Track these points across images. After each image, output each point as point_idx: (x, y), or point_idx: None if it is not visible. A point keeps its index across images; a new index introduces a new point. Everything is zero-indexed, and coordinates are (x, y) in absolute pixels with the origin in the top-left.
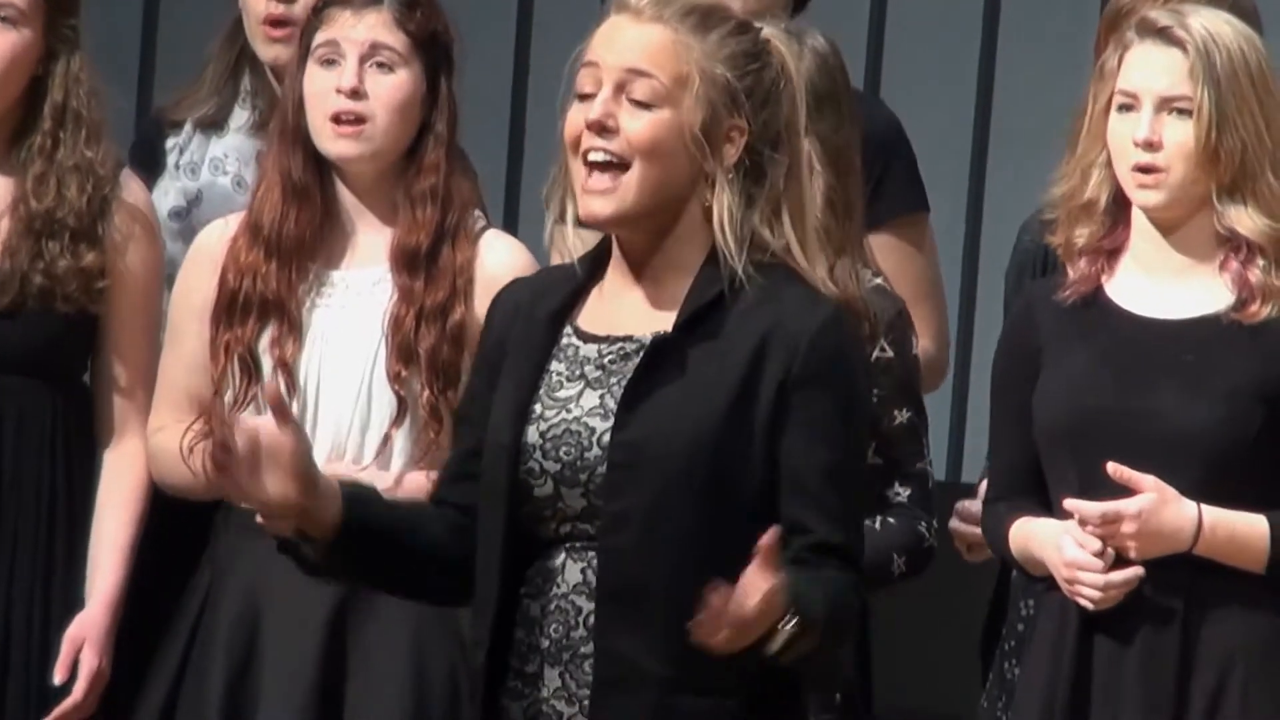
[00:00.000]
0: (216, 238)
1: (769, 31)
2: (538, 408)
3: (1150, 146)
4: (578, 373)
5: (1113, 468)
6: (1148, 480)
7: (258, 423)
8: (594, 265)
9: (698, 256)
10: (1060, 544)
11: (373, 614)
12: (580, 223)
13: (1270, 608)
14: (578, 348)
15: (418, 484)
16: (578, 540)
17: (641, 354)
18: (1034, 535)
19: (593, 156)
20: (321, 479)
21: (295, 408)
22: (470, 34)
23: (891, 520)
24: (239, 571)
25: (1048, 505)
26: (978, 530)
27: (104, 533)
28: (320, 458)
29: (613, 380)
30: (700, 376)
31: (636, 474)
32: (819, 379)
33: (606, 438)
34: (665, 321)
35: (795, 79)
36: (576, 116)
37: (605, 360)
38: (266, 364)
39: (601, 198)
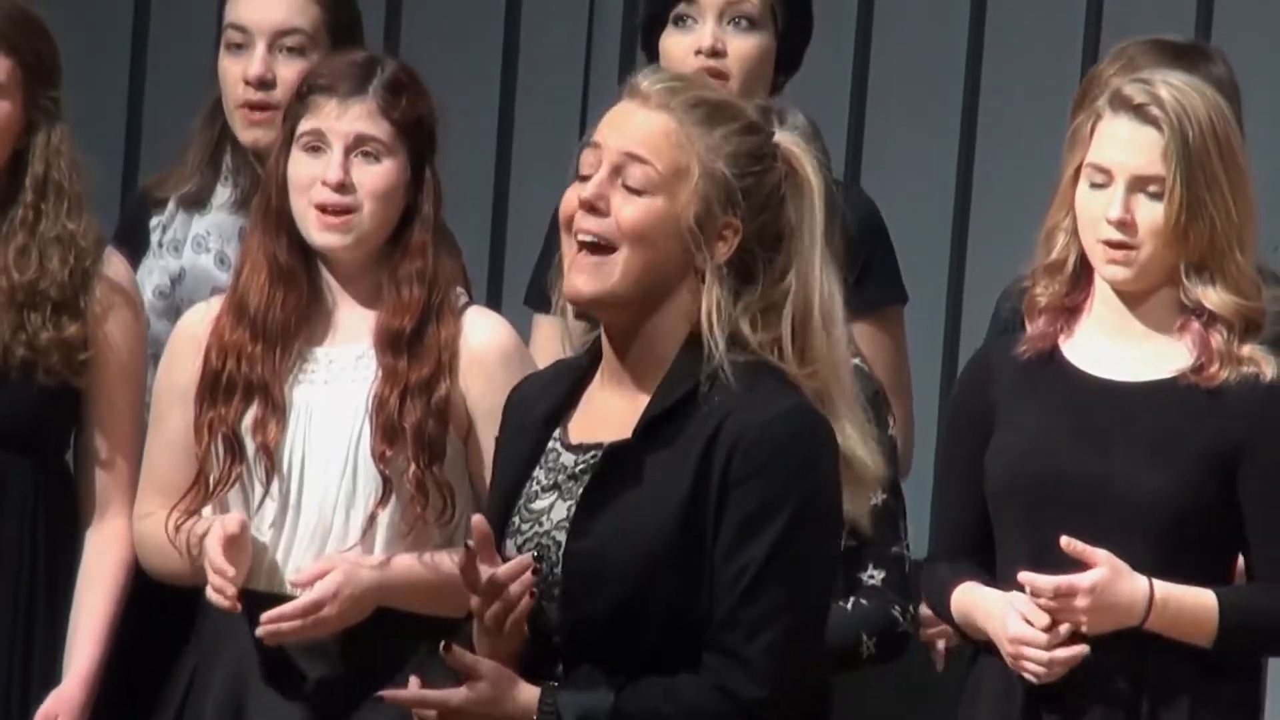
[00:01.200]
0: (199, 319)
1: (783, 137)
2: (516, 519)
3: (1123, 226)
4: (553, 481)
5: (1065, 542)
6: (1100, 554)
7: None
8: (594, 356)
9: (674, 348)
10: (1005, 619)
11: (359, 697)
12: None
13: (1216, 684)
14: (559, 454)
15: (406, 566)
16: None
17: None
18: (978, 606)
19: (581, 237)
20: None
21: (277, 487)
22: (453, 105)
23: (864, 601)
24: (225, 654)
25: (989, 565)
26: (942, 627)
27: (83, 610)
28: (304, 538)
29: (579, 490)
30: (656, 482)
31: (593, 585)
32: (756, 474)
33: None
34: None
35: (813, 185)
36: (572, 195)
37: (576, 470)
38: (250, 445)
39: (586, 275)
